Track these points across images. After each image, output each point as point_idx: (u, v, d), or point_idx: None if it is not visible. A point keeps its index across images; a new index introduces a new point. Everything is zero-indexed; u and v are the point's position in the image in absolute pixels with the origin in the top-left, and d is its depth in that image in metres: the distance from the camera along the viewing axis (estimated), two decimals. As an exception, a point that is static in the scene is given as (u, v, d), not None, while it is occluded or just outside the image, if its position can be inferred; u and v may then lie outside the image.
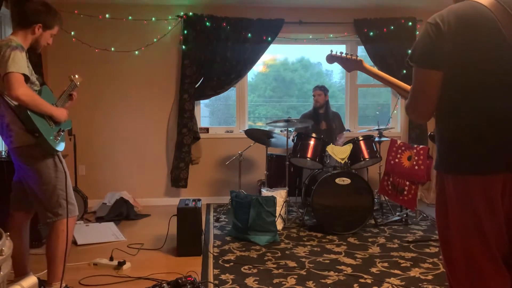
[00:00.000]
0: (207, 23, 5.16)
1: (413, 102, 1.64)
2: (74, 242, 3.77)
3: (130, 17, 5.14)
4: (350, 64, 2.20)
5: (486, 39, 1.50)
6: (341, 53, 2.20)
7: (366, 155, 4.37)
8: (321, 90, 5.00)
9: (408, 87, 1.93)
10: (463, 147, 1.54)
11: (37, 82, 2.58)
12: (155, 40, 5.20)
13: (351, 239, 3.95)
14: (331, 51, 2.28)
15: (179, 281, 2.70)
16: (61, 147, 2.61)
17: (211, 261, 3.40)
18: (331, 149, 4.29)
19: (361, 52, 5.60)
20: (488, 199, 1.50)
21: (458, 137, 1.55)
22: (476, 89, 1.52)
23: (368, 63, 2.19)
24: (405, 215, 4.47)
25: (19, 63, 2.37)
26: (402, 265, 3.32)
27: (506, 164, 1.50)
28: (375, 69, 2.17)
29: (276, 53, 6.06)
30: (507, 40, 1.49)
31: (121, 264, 3.21)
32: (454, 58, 1.51)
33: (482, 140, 1.51)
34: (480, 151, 1.52)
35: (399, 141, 4.34)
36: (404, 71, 5.30)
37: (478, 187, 1.51)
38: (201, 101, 5.56)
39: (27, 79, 2.43)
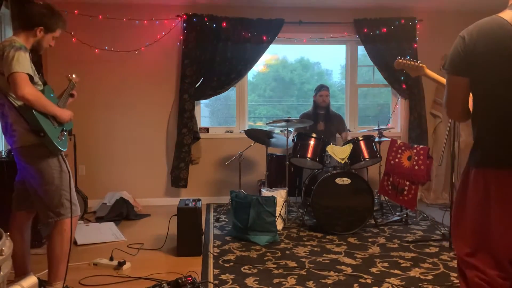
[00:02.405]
0: (207, 23, 5.16)
1: (447, 103, 1.88)
2: (74, 242, 3.76)
3: (130, 17, 5.14)
4: (413, 69, 2.31)
5: (502, 48, 1.65)
6: (407, 59, 2.27)
7: (366, 155, 4.36)
8: (328, 90, 4.99)
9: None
10: (484, 144, 1.75)
11: (40, 82, 2.58)
12: (155, 40, 5.21)
13: (351, 239, 3.95)
14: (398, 57, 2.37)
15: (179, 281, 2.70)
16: (64, 147, 2.62)
17: (211, 261, 3.40)
18: (331, 149, 4.28)
19: (361, 52, 5.59)
20: (501, 190, 1.67)
21: (481, 136, 1.77)
22: (495, 93, 1.69)
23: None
24: (405, 215, 4.47)
25: (24, 63, 2.37)
26: (402, 265, 3.32)
27: None
28: (437, 75, 2.27)
29: (276, 53, 6.07)
30: None
31: (121, 264, 3.21)
32: (476, 65, 1.70)
33: (500, 138, 1.70)
34: (498, 147, 1.70)
35: (399, 141, 4.35)
36: (405, 71, 5.29)
37: (493, 178, 1.69)
38: (201, 101, 5.56)
39: (31, 79, 2.43)
